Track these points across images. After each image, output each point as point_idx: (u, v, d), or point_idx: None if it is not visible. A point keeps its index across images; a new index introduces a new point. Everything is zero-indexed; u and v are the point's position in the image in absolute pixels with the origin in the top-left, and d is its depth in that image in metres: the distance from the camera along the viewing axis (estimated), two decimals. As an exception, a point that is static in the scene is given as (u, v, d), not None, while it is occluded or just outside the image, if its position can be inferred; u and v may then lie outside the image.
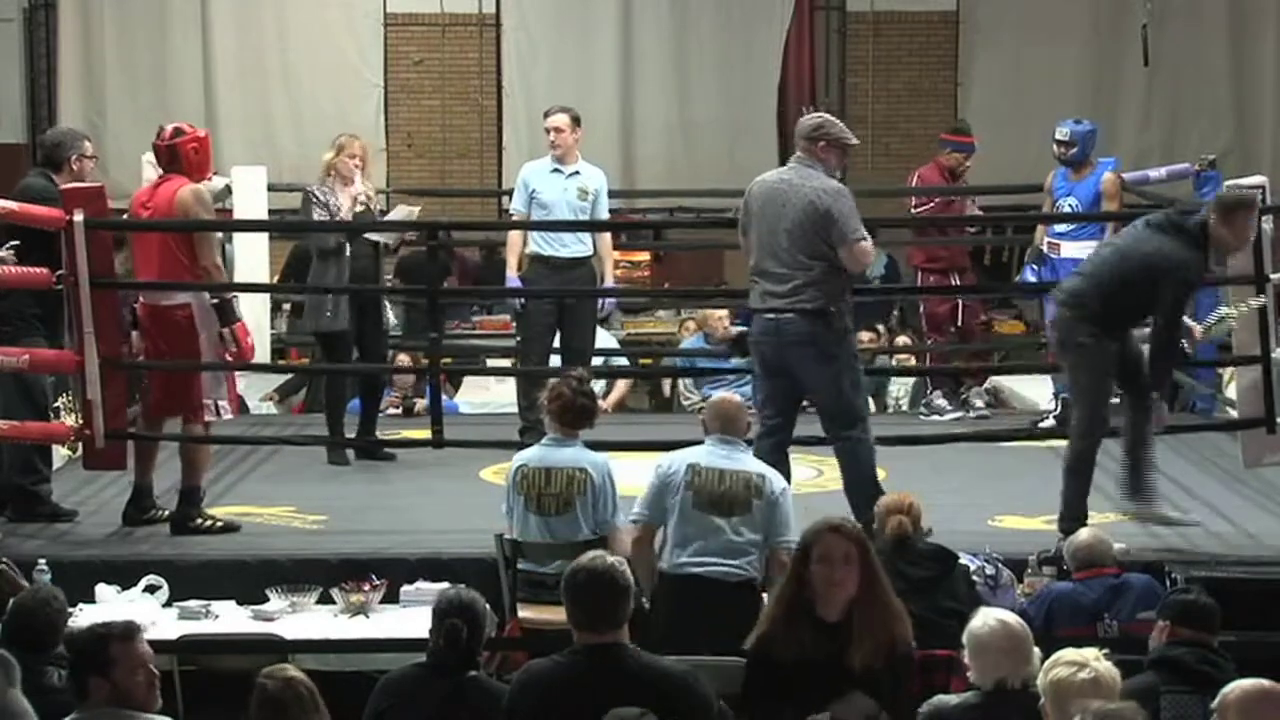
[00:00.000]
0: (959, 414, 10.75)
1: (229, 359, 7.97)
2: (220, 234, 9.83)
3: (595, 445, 7.12)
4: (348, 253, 9.15)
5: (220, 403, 8.01)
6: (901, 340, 12.20)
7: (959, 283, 10.91)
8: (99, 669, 4.72)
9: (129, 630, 4.81)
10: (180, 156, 7.98)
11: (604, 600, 5.02)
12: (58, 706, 4.98)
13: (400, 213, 9.77)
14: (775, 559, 6.57)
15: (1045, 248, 10.23)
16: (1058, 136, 10.20)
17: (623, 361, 11.97)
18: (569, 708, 4.91)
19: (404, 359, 11.33)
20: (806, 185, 7.41)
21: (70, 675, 4.84)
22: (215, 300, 7.89)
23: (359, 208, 9.24)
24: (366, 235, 9.25)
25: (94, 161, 8.38)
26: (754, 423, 7.47)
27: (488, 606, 5.43)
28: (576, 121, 9.71)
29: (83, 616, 6.33)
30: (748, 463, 6.80)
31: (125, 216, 8.41)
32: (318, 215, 9.11)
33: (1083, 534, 6.77)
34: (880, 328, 12.73)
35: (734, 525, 6.60)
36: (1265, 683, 4.50)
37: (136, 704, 4.73)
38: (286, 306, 12.36)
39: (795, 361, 7.48)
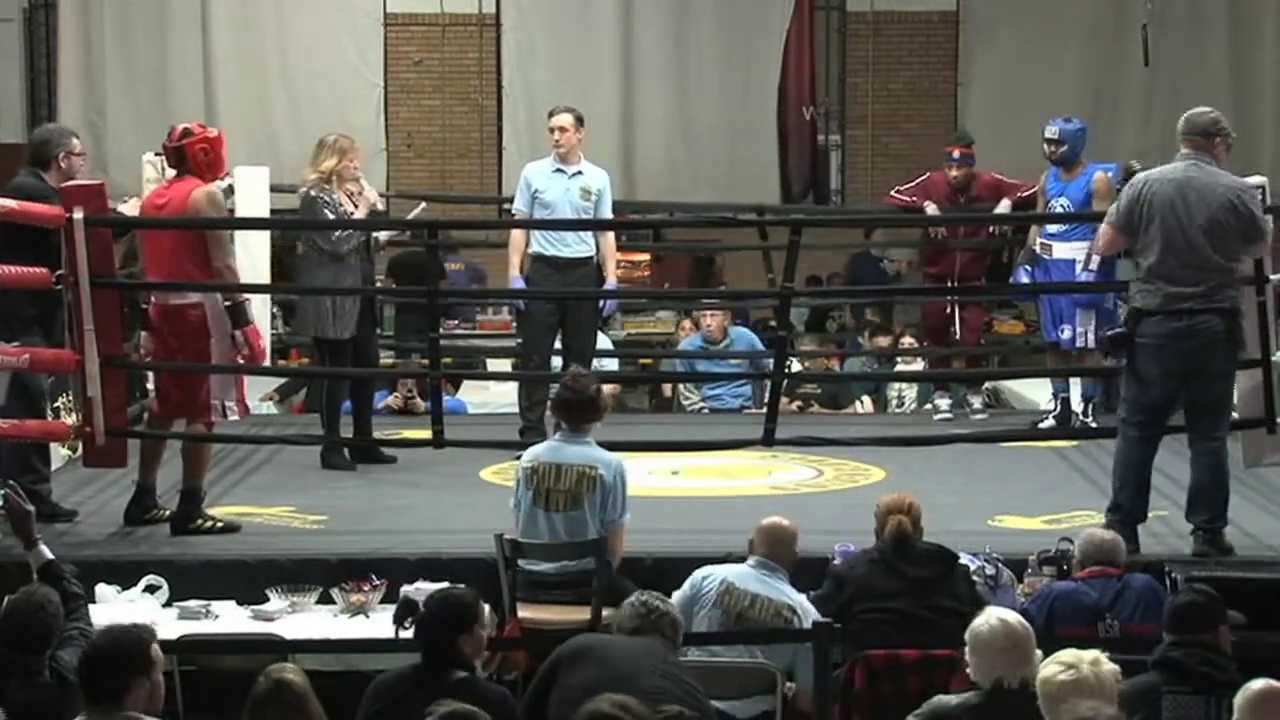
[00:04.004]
0: (951, 416, 10.74)
1: (241, 361, 7.95)
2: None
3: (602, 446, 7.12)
4: (356, 260, 9.14)
5: (228, 404, 7.98)
6: (907, 341, 12.20)
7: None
8: (145, 669, 4.77)
9: (151, 633, 4.90)
10: (188, 158, 7.97)
11: (659, 619, 5.62)
12: (51, 704, 5.02)
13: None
14: (802, 696, 6.35)
15: (1038, 248, 10.22)
16: (1047, 135, 10.21)
17: (614, 364, 11.91)
18: (605, 668, 5.27)
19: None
20: (1219, 183, 7.31)
21: (109, 673, 4.84)
22: (228, 302, 7.87)
23: (374, 213, 9.27)
24: (366, 239, 9.24)
25: (83, 159, 8.31)
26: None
27: (486, 607, 5.42)
28: (580, 121, 9.70)
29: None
30: (786, 592, 6.55)
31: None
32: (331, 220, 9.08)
33: (1107, 531, 6.76)
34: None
35: (748, 653, 6.37)
36: (1276, 684, 4.55)
37: (157, 709, 4.80)
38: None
39: (1204, 362, 7.30)
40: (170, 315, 7.92)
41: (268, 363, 10.60)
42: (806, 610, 6.50)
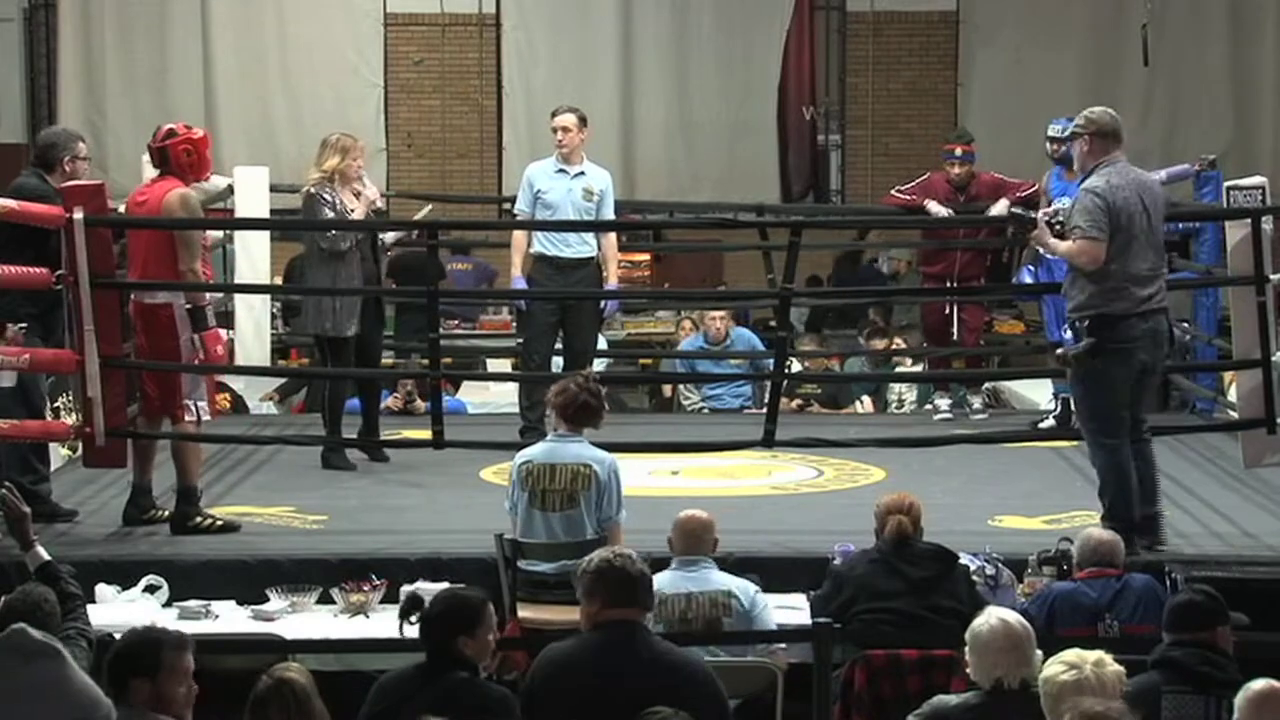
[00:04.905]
0: (951, 416, 10.74)
1: (197, 363, 7.96)
2: (218, 235, 9.83)
3: (596, 445, 7.11)
4: (357, 258, 9.14)
5: (199, 404, 7.99)
6: (899, 342, 12.22)
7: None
8: (145, 671, 4.74)
9: (181, 641, 4.85)
10: (170, 158, 7.97)
11: (624, 580, 5.27)
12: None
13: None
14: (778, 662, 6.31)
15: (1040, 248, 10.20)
16: (1050, 133, 10.20)
17: (603, 364, 11.88)
18: (587, 681, 5.11)
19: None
20: (1151, 179, 7.46)
21: (110, 672, 4.83)
22: (189, 305, 7.88)
23: (373, 211, 9.28)
24: (368, 237, 9.24)
25: (88, 163, 8.31)
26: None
27: (490, 606, 5.40)
28: (583, 122, 9.69)
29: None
30: (716, 581, 6.48)
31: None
32: (329, 218, 9.07)
33: (1105, 532, 6.75)
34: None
35: (709, 653, 6.22)
36: (1276, 684, 4.56)
37: (175, 713, 4.76)
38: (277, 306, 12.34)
39: (1158, 361, 7.39)
40: (145, 314, 7.95)
41: (267, 363, 10.68)
42: (745, 589, 6.47)
